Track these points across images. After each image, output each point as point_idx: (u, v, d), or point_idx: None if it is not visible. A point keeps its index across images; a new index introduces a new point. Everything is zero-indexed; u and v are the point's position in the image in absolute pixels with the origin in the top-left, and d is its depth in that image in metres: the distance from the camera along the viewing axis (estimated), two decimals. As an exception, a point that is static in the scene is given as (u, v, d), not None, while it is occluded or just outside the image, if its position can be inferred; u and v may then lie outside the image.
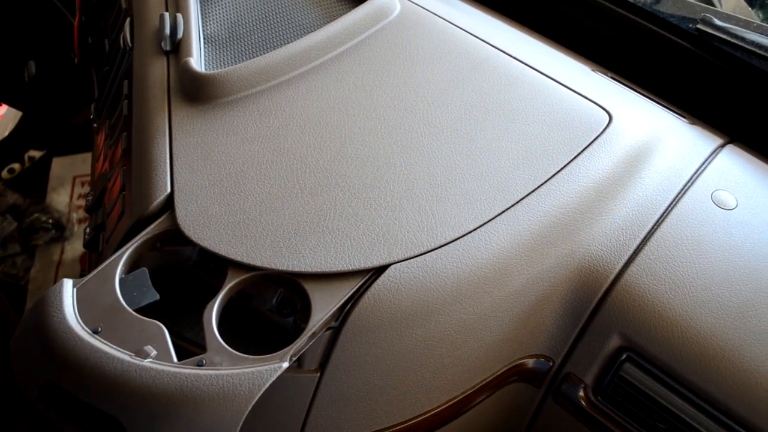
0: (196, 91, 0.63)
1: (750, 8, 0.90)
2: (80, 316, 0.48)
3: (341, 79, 0.65)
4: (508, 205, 0.56)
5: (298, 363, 0.52)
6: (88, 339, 0.46)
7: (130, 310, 0.49)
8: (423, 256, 0.53)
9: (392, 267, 0.52)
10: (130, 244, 0.53)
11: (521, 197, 0.57)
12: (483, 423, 0.62)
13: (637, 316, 0.55)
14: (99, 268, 0.52)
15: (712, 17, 0.75)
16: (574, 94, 0.65)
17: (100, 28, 0.93)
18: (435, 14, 0.72)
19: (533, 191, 0.57)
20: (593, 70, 0.75)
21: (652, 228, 0.58)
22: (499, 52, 0.68)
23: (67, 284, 0.49)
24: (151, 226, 0.54)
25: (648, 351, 0.54)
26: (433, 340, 0.53)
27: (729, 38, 0.73)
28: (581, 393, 0.58)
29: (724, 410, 0.52)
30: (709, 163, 0.64)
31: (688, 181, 0.62)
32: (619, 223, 0.58)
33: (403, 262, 0.53)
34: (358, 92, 0.63)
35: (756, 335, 0.53)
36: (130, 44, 0.74)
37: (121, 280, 0.51)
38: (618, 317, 0.55)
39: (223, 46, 0.70)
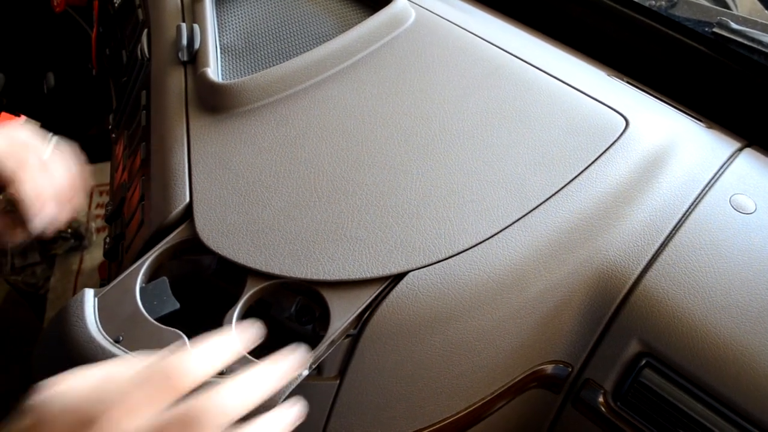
0: (213, 101, 0.64)
1: (766, 11, 0.90)
2: (102, 325, 0.48)
3: (357, 88, 0.65)
4: (526, 212, 0.56)
5: (317, 371, 0.53)
6: (109, 348, 0.46)
7: (151, 319, 0.49)
8: (441, 263, 0.53)
9: (410, 274, 0.52)
10: (150, 253, 0.54)
11: (539, 203, 0.57)
12: (502, 429, 0.62)
13: (656, 321, 0.54)
14: (119, 277, 0.52)
15: (728, 20, 0.74)
16: (591, 99, 0.65)
17: (118, 40, 0.94)
18: (449, 21, 0.72)
19: (551, 197, 0.57)
20: (609, 75, 0.75)
21: (671, 233, 0.58)
22: (515, 58, 0.68)
23: (89, 294, 0.50)
24: (171, 236, 0.55)
25: (667, 356, 0.54)
26: (452, 347, 0.53)
27: (745, 41, 0.73)
28: (601, 399, 0.57)
29: (744, 415, 0.52)
30: (726, 167, 0.64)
31: (706, 186, 0.62)
32: (637, 228, 0.58)
33: (421, 270, 0.53)
34: (374, 100, 0.64)
35: (777, 340, 0.52)
36: (147, 55, 0.75)
37: (141, 289, 0.51)
38: (637, 323, 0.55)
39: (240, 56, 0.70)
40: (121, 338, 0.48)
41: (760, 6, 0.91)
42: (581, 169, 0.59)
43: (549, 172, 0.58)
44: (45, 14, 1.36)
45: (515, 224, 0.55)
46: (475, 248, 0.54)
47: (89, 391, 0.37)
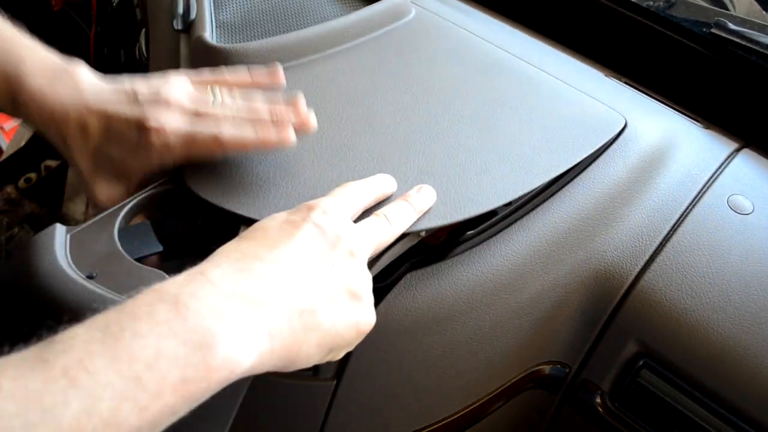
0: (208, 65, 0.60)
1: (764, 12, 0.90)
2: (73, 260, 0.44)
3: (358, 68, 0.64)
4: (533, 188, 0.55)
5: (314, 371, 0.53)
6: (81, 282, 0.42)
7: (130, 259, 0.45)
8: (438, 264, 0.53)
9: (408, 275, 0.52)
10: (133, 197, 0.50)
11: (545, 181, 0.56)
12: (500, 430, 0.62)
13: (653, 321, 0.55)
14: (96, 217, 0.48)
15: (727, 21, 0.74)
16: (589, 99, 0.64)
17: (116, 40, 0.94)
18: (449, 21, 0.72)
19: (548, 198, 0.57)
20: (607, 76, 0.75)
21: (668, 233, 0.58)
22: (514, 57, 0.68)
23: (60, 229, 0.45)
24: (157, 183, 0.51)
25: (665, 357, 0.54)
26: (450, 348, 0.53)
27: (743, 42, 0.73)
28: (598, 399, 0.57)
29: (741, 415, 0.52)
30: (724, 168, 0.64)
31: (704, 186, 0.62)
32: (635, 228, 0.58)
33: (419, 270, 0.53)
34: (374, 81, 0.63)
35: (774, 340, 0.52)
36: (145, 55, 0.75)
37: (120, 230, 0.47)
38: (634, 323, 0.55)
39: (237, 31, 0.69)
40: (94, 275, 0.43)
41: (757, 7, 0.91)
42: (584, 156, 0.58)
43: (553, 154, 0.57)
44: (43, 13, 1.36)
45: (515, 224, 0.56)
46: (473, 249, 0.54)
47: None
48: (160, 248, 0.47)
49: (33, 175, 1.57)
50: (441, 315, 0.52)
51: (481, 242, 0.55)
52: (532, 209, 0.57)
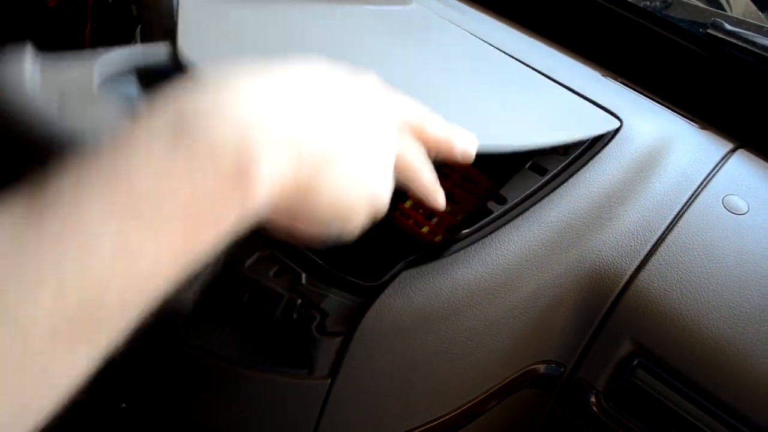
0: None
1: (761, 12, 0.90)
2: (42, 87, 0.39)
3: (356, 28, 0.62)
4: (536, 142, 0.54)
5: (309, 370, 0.52)
6: (46, 110, 0.37)
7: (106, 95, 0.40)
8: (434, 262, 0.53)
9: (403, 273, 0.52)
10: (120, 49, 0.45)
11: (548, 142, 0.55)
12: (494, 429, 0.62)
13: (648, 321, 0.55)
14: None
15: (723, 22, 0.75)
16: (584, 99, 0.65)
17: (112, 36, 0.94)
18: (447, 19, 0.72)
19: (542, 198, 0.57)
20: (603, 76, 0.75)
21: (663, 233, 0.58)
22: (510, 58, 0.68)
23: (28, 53, 0.41)
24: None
25: (660, 356, 0.54)
26: (445, 347, 0.53)
27: (740, 43, 0.73)
28: (593, 399, 0.57)
29: (736, 415, 0.52)
30: (719, 168, 0.64)
31: (699, 186, 0.62)
32: (630, 228, 0.58)
33: (414, 269, 0.53)
34: (371, 41, 0.60)
35: (768, 340, 0.52)
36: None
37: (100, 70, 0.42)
38: (629, 323, 0.55)
39: None
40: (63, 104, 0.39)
41: (754, 7, 0.91)
42: (577, 137, 0.58)
43: (553, 132, 0.57)
44: (38, 9, 1.35)
45: (507, 225, 0.55)
46: (468, 248, 0.54)
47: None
48: (140, 97, 0.42)
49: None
50: (436, 314, 0.52)
51: (476, 241, 0.55)
52: (527, 208, 0.57)
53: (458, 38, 0.67)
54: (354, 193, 0.36)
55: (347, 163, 0.35)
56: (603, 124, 0.61)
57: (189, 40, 0.47)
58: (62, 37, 1.34)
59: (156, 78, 0.47)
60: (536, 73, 0.67)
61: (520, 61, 0.68)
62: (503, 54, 0.68)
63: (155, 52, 0.47)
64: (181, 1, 0.51)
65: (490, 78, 0.63)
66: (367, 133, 0.36)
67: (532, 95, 0.63)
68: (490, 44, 0.69)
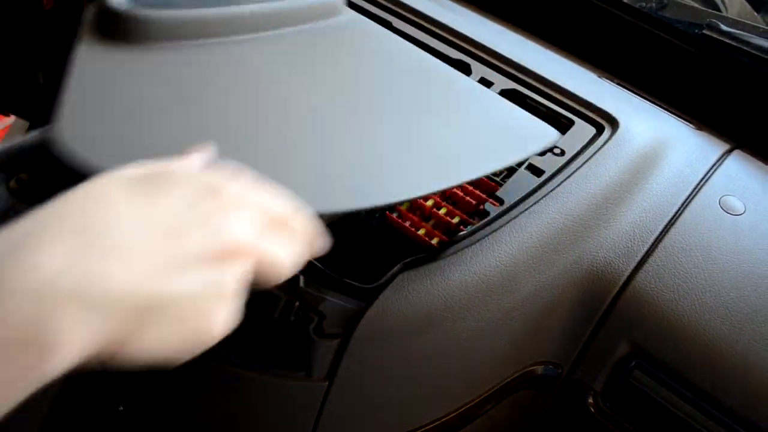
0: (113, 30, 0.51)
1: (756, 13, 0.90)
2: None
3: (277, 56, 0.57)
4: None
5: (307, 372, 0.52)
6: None
7: None
8: (431, 264, 0.53)
9: (400, 275, 0.52)
10: None
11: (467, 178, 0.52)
12: (492, 430, 0.62)
13: (646, 322, 0.55)
14: None
15: (718, 22, 0.75)
16: (581, 99, 0.65)
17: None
18: (378, 29, 0.67)
19: (540, 199, 0.57)
20: (599, 77, 0.75)
21: (660, 234, 0.58)
22: (447, 70, 0.64)
23: None
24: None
25: (657, 357, 0.54)
26: (443, 348, 0.53)
27: (735, 43, 0.73)
28: (590, 400, 0.57)
29: (733, 416, 0.52)
30: (716, 169, 0.64)
31: (696, 187, 0.62)
32: (627, 229, 0.58)
33: (412, 271, 0.53)
34: (292, 70, 0.57)
35: (766, 341, 0.52)
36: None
37: None
38: (627, 324, 0.55)
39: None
40: None
41: (749, 8, 0.91)
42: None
43: (477, 154, 0.54)
44: (34, 12, 1.35)
45: (506, 225, 0.55)
46: (466, 249, 0.54)
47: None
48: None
49: (24, 176, 1.55)
50: (433, 316, 0.52)
51: (474, 243, 0.55)
52: (525, 210, 0.57)
53: (387, 51, 0.63)
54: (183, 336, 0.32)
55: (174, 309, 0.31)
56: (540, 139, 0.58)
57: (71, 121, 0.44)
58: (58, 39, 1.34)
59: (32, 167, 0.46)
60: (471, 85, 0.63)
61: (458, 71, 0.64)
62: (440, 66, 0.64)
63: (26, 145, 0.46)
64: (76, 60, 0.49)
65: (409, 105, 0.58)
66: (203, 269, 0.33)
67: (461, 115, 0.58)
68: (434, 51, 0.66)
